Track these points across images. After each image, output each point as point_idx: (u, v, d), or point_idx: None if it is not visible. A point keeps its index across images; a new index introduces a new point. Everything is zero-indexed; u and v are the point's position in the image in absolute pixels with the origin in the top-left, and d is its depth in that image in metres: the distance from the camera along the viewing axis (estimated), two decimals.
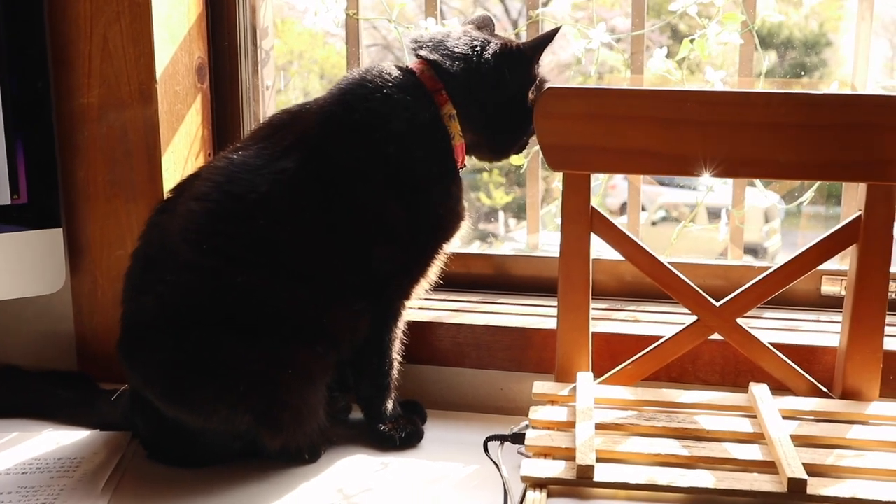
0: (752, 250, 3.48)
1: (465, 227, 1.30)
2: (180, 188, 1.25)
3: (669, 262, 1.28)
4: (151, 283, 1.19)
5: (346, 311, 1.22)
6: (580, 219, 1.26)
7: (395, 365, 1.30)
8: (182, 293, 1.17)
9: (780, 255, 3.61)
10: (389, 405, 1.30)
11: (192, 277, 1.16)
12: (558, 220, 1.29)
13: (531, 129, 1.27)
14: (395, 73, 1.23)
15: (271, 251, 1.17)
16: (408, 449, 1.28)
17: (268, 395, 1.17)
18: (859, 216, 1.22)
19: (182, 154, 1.47)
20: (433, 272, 1.30)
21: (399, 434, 1.28)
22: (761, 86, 1.46)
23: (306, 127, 1.22)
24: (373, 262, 1.22)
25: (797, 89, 1.51)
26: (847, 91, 1.42)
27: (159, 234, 1.22)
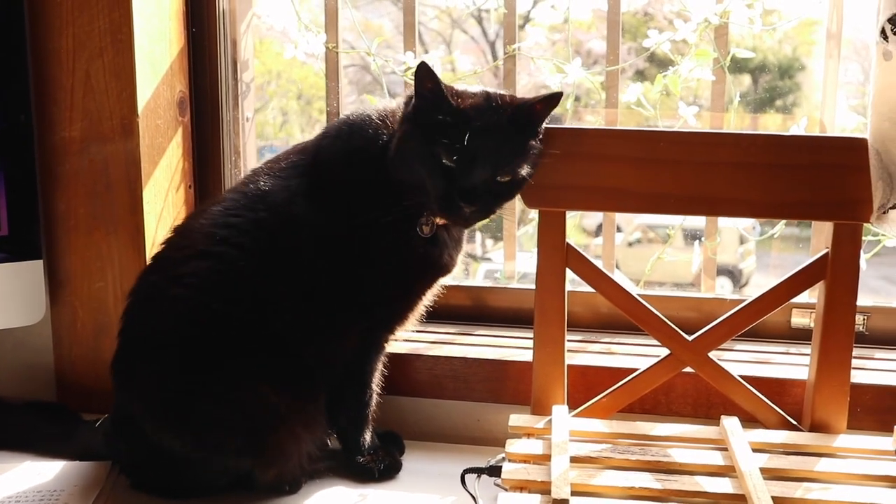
0: (728, 272, 3.52)
1: (445, 276, 1.31)
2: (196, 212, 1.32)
3: (643, 295, 1.31)
4: (160, 287, 1.23)
5: (333, 337, 1.25)
6: (556, 254, 1.29)
7: (374, 397, 1.31)
8: (190, 284, 1.19)
9: (754, 276, 3.64)
10: (367, 437, 1.32)
11: (202, 264, 1.20)
12: (535, 249, 1.31)
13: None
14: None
15: (267, 241, 1.21)
16: (386, 481, 1.30)
17: (264, 417, 1.19)
18: (826, 254, 1.25)
19: (163, 187, 1.48)
20: (417, 310, 1.32)
21: (378, 466, 1.30)
22: (733, 117, 1.49)
23: (301, 156, 1.29)
24: (350, 286, 1.23)
25: (767, 128, 1.54)
26: (816, 130, 1.45)
27: (169, 248, 1.28)
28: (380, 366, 1.32)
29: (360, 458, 1.31)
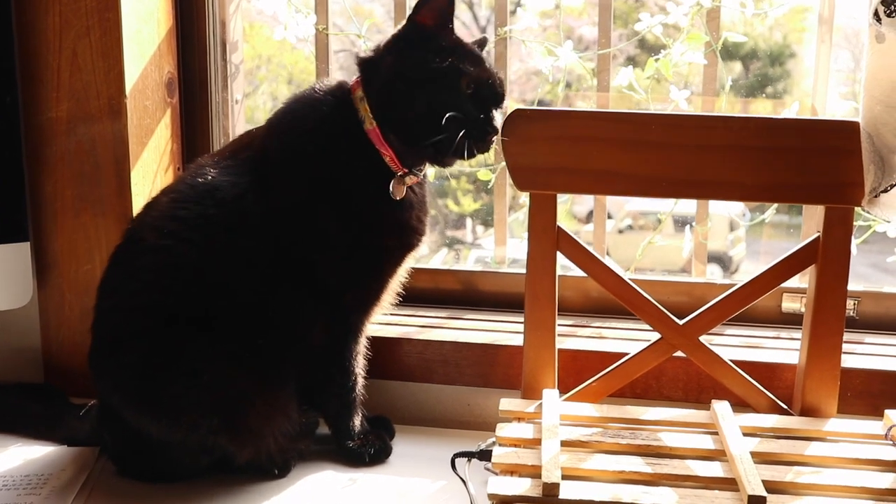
0: (718, 258, 3.52)
1: (419, 244, 1.29)
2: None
3: (634, 279, 1.30)
4: (120, 281, 1.22)
5: (303, 318, 1.24)
6: (546, 237, 1.28)
7: (360, 381, 1.30)
8: (144, 279, 1.19)
9: (744, 263, 3.65)
10: (357, 421, 1.31)
11: (153, 259, 1.19)
12: (525, 234, 1.30)
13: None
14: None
15: (218, 235, 1.19)
16: (376, 465, 1.30)
17: (233, 398, 1.18)
18: (818, 237, 1.25)
19: (151, 169, 1.47)
20: (391, 289, 1.30)
21: (368, 451, 1.30)
22: (724, 102, 1.49)
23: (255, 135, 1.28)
24: (317, 269, 1.22)
25: (758, 113, 1.53)
26: (807, 115, 1.45)
27: (126, 240, 1.26)
28: (361, 349, 1.30)
29: (350, 443, 1.30)
